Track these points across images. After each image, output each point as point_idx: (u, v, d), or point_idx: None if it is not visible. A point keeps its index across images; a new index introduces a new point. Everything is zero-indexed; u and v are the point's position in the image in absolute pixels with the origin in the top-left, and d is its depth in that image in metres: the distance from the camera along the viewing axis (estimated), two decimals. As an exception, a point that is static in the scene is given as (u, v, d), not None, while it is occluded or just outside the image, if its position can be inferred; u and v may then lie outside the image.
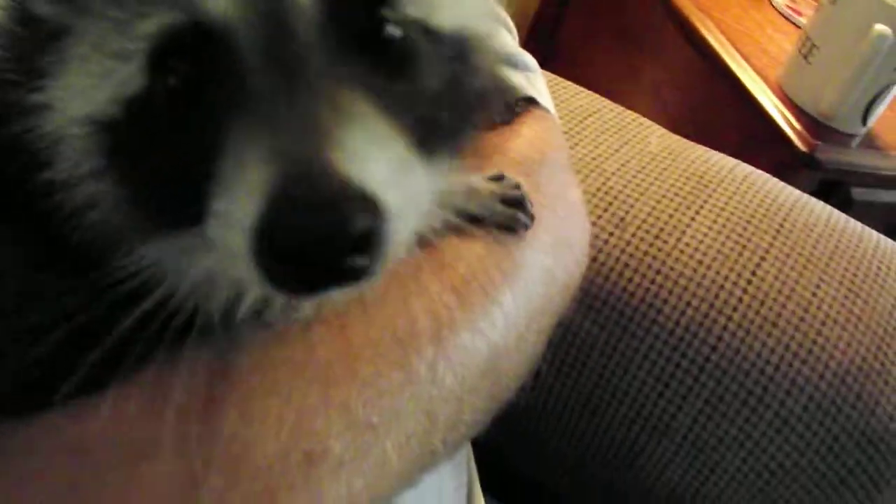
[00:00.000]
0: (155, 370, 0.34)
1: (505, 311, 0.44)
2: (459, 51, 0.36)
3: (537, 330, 0.48)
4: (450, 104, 0.35)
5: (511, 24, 0.69)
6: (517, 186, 0.48)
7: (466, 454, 0.71)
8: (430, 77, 0.34)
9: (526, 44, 0.68)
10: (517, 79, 0.62)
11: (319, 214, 0.27)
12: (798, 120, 1.19)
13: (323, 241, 0.27)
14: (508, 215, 0.47)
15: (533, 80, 0.64)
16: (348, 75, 0.30)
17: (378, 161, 0.29)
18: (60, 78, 0.32)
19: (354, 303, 0.39)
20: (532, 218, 0.48)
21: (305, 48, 0.30)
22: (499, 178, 0.49)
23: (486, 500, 0.73)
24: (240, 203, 0.28)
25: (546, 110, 0.63)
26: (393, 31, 0.33)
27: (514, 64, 0.62)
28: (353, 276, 0.28)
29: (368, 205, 0.27)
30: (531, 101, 0.61)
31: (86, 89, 0.32)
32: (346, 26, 0.31)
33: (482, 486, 0.73)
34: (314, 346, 0.37)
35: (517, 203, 0.48)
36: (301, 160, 0.28)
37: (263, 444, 0.33)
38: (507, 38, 0.66)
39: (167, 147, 0.31)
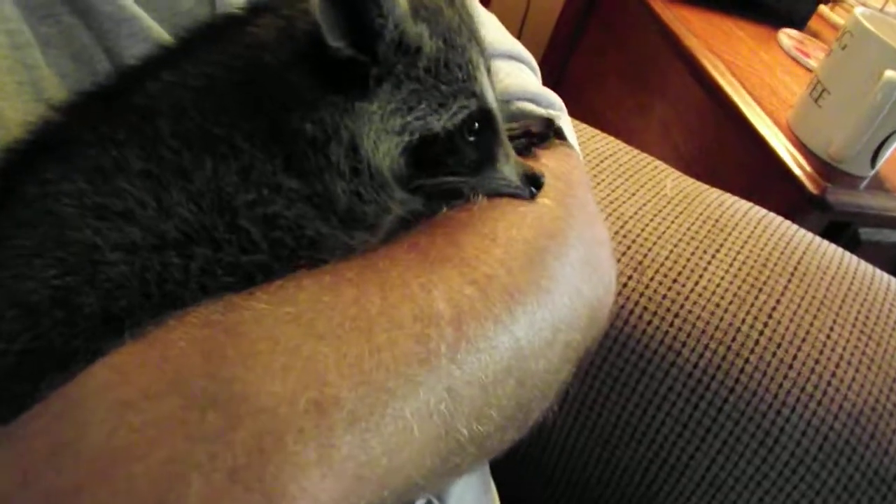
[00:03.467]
0: (159, 326, 0.35)
1: (528, 311, 0.45)
2: None
3: (565, 342, 0.49)
4: None
5: (535, 63, 0.70)
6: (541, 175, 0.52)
7: (493, 496, 0.72)
8: None
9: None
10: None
11: None
12: (808, 162, 1.20)
13: None
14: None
15: (559, 119, 0.65)
16: None
17: None
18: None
19: (371, 277, 0.40)
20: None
21: None
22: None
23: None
24: None
25: (571, 147, 0.64)
26: None
27: (539, 103, 0.64)
28: None
29: None
30: (558, 133, 0.62)
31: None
32: None
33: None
34: (326, 308, 0.37)
35: (535, 180, 0.51)
36: None
37: (266, 387, 0.33)
38: (532, 78, 0.68)
39: None
